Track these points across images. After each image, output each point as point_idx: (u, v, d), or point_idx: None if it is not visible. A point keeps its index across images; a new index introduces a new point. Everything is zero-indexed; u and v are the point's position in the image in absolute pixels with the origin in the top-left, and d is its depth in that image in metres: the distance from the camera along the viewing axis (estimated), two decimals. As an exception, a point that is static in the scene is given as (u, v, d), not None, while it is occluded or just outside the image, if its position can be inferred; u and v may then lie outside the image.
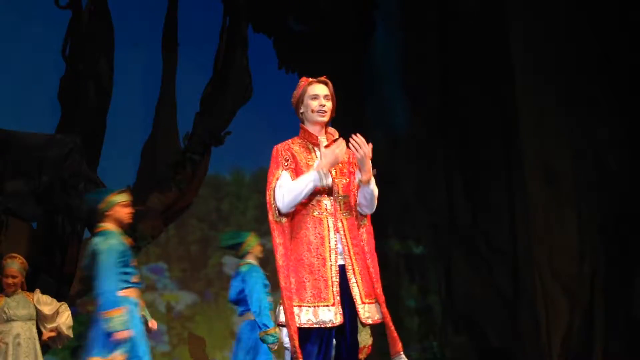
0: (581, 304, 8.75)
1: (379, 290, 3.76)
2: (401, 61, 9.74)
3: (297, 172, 3.70)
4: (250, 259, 6.13)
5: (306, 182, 3.62)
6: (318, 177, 3.60)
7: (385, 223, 9.05)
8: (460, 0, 9.26)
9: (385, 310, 3.76)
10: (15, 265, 5.83)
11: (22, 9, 8.07)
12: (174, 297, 8.84)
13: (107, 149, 8.27)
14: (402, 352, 3.80)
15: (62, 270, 7.72)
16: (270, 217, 3.67)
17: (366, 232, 3.83)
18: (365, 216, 3.84)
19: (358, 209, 3.79)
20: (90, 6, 8.27)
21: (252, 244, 6.17)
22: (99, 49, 8.24)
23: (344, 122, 8.82)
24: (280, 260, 3.64)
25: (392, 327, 3.77)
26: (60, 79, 8.16)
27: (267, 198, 3.67)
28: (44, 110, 8.07)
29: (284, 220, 3.67)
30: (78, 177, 7.62)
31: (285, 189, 3.62)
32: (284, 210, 3.63)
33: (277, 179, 3.67)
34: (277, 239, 3.66)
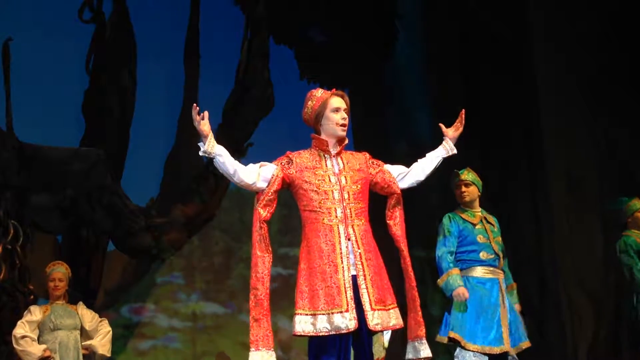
0: (607, 313, 8.65)
1: (411, 272, 3.84)
2: (423, 70, 9.72)
3: (301, 177, 3.77)
4: (632, 228, 5.87)
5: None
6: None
7: (410, 231, 8.97)
8: (483, 9, 9.23)
9: (415, 293, 3.83)
10: (61, 269, 5.87)
11: (46, 23, 8.15)
12: (198, 308, 8.85)
13: (131, 161, 8.30)
14: (424, 338, 3.81)
15: (87, 282, 7.75)
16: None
17: (399, 216, 3.93)
18: (399, 200, 3.93)
19: (412, 182, 3.98)
20: (113, 19, 8.33)
21: (632, 210, 5.89)
22: (122, 62, 8.29)
23: (366, 131, 8.86)
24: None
25: (419, 312, 3.83)
26: (84, 92, 8.22)
27: None
28: (68, 124, 8.13)
29: (262, 211, 3.78)
30: (102, 190, 7.65)
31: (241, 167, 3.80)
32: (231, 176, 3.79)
33: (261, 166, 3.84)
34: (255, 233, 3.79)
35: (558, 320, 8.64)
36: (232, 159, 3.79)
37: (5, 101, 7.50)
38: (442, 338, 5.00)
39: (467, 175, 5.34)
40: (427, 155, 4.10)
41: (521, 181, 8.96)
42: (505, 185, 9.02)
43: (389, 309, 3.70)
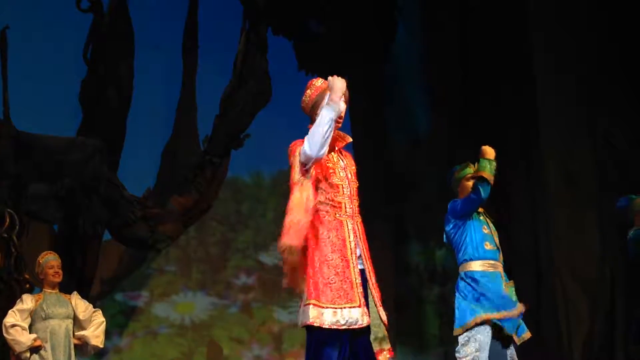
0: (602, 308, 8.68)
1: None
2: (422, 62, 9.71)
3: (318, 171, 3.69)
4: (639, 225, 5.83)
5: (326, 118, 3.57)
6: (331, 109, 3.58)
7: (407, 225, 9.01)
8: (483, 6, 9.22)
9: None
10: (56, 257, 5.86)
11: (44, 12, 8.12)
12: (193, 298, 8.86)
13: (128, 151, 8.29)
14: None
15: (83, 272, 7.75)
16: (293, 180, 3.63)
17: None
18: None
19: None
20: (111, 9, 8.31)
21: (638, 207, 5.88)
22: (119, 52, 8.27)
23: (365, 126, 8.85)
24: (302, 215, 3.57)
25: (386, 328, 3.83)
26: (82, 82, 8.20)
27: (291, 161, 3.66)
28: (65, 113, 8.12)
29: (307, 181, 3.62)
30: (99, 180, 7.66)
31: (309, 136, 3.58)
32: (314, 153, 3.55)
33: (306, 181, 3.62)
34: (300, 193, 3.59)
35: (553, 315, 8.66)
36: None
37: (2, 90, 7.50)
38: (468, 324, 5.01)
39: None
40: None
41: (520, 180, 8.95)
42: (503, 183, 9.00)
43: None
